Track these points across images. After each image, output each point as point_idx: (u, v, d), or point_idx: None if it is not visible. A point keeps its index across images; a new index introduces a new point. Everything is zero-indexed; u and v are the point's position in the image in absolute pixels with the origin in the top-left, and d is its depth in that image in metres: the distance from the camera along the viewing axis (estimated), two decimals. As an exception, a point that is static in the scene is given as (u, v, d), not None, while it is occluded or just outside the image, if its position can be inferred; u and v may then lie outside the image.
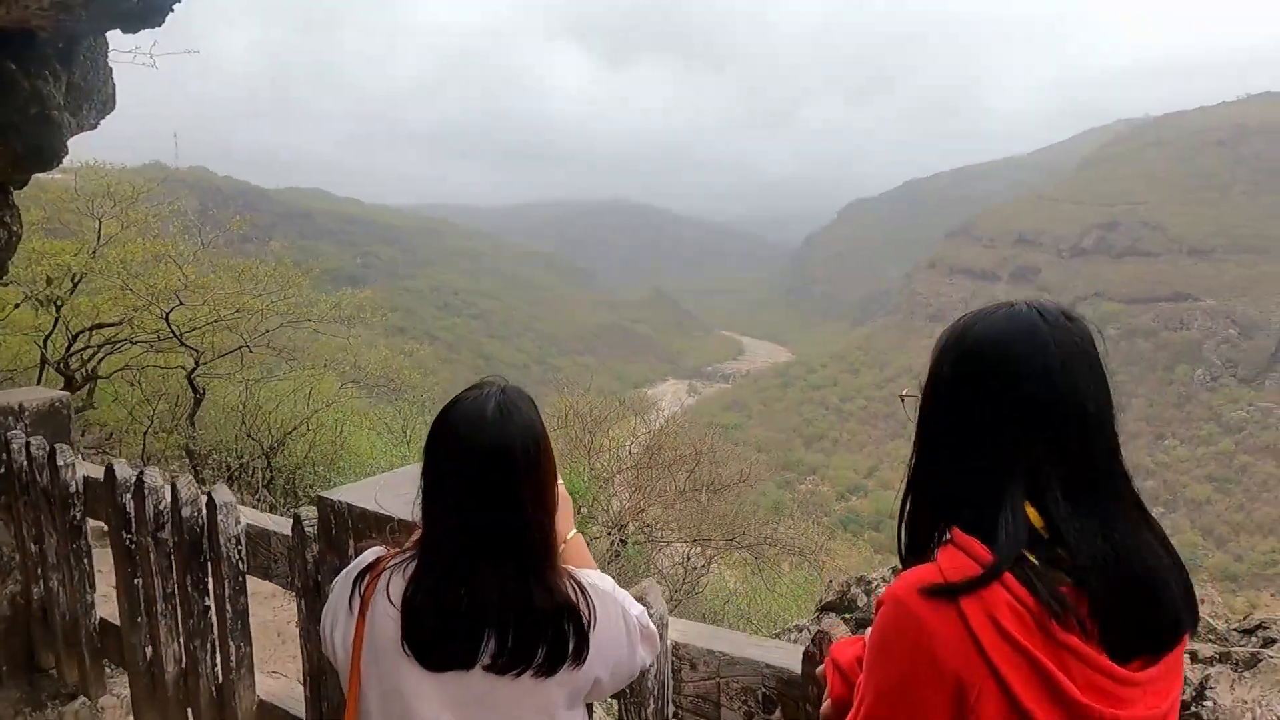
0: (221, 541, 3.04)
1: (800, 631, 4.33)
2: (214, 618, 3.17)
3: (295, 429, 13.92)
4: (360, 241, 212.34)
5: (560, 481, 1.90)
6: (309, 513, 2.79)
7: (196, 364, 15.29)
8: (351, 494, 2.60)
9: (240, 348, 16.69)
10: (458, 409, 1.79)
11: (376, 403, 22.71)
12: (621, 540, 12.07)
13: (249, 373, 17.34)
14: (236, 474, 14.55)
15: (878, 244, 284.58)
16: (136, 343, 16.07)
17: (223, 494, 3.15)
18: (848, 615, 4.48)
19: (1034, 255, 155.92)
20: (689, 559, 14.86)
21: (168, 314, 14.29)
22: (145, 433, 17.03)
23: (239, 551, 3.08)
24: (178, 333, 14.84)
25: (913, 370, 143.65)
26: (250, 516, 3.21)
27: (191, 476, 3.70)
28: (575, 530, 1.90)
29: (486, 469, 1.68)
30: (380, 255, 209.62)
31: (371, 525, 2.47)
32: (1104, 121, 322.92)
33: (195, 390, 15.42)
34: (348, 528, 2.53)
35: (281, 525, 3.05)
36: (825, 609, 4.75)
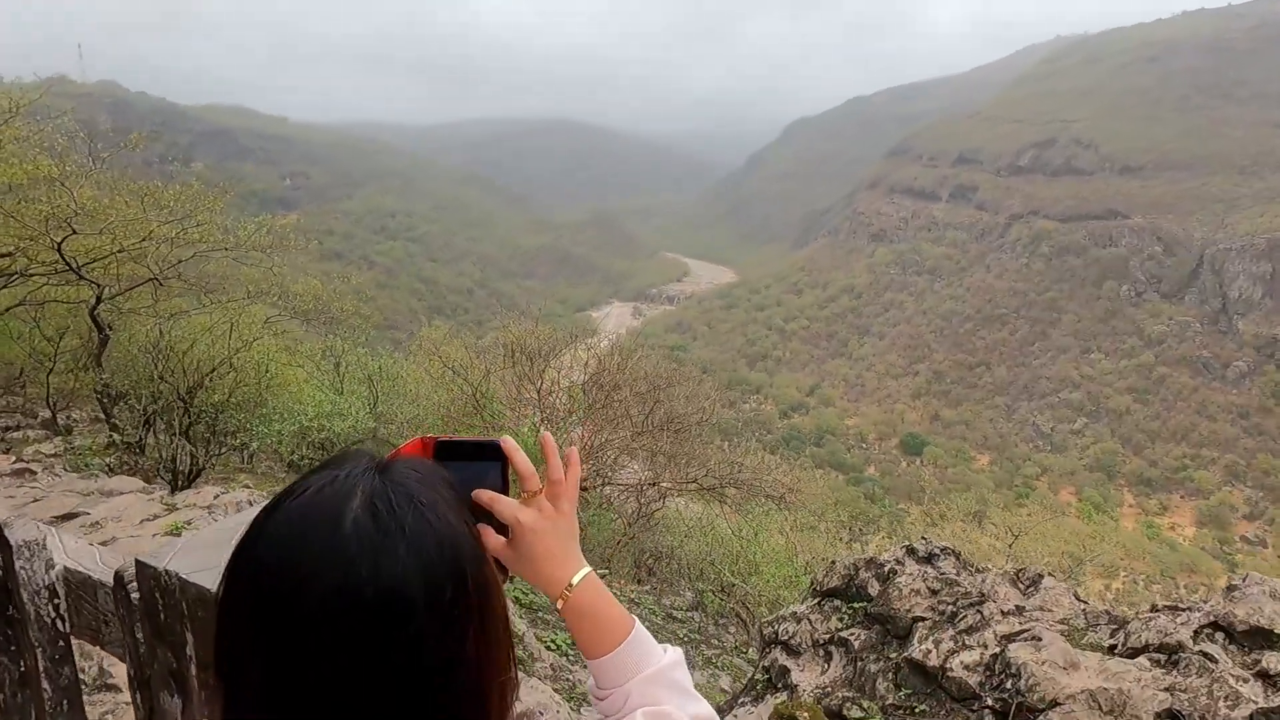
0: (26, 597, 2.03)
1: (799, 622, 3.77)
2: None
3: (215, 369, 12.74)
4: (286, 162, 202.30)
5: (554, 494, 1.20)
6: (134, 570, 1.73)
7: (98, 299, 13.87)
8: (192, 556, 1.53)
9: (149, 280, 15.25)
10: (284, 522, 0.86)
11: (312, 335, 21.38)
12: (579, 487, 11.44)
13: (167, 307, 15.93)
14: (153, 419, 13.41)
15: (820, 163, 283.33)
16: (31, 275, 14.53)
17: (25, 530, 2.01)
18: (856, 605, 3.92)
19: (972, 174, 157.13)
20: (643, 492, 14.41)
21: (59, 244, 12.80)
22: (49, 373, 15.62)
23: (55, 608, 1.99)
24: (74, 265, 13.36)
25: (854, 290, 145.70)
26: (71, 556, 2.12)
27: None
28: (586, 567, 1.17)
29: (350, 643, 0.80)
30: (309, 176, 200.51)
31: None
32: (1043, 38, 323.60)
33: (99, 327, 14.04)
34: (181, 613, 1.56)
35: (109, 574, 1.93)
36: (827, 595, 4.19)
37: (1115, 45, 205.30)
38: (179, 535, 6.34)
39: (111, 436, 13.89)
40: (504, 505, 1.15)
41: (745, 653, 10.40)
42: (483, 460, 1.21)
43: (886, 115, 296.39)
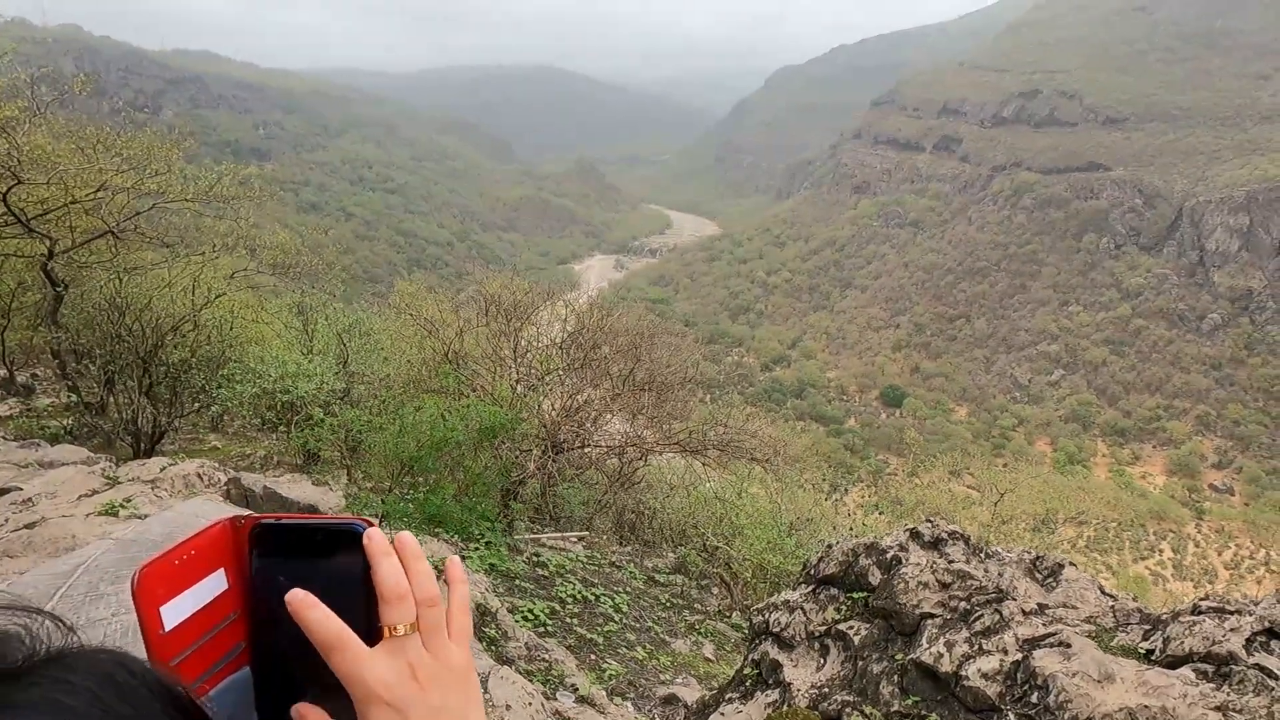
0: None
1: (792, 611, 3.41)
2: None
3: (176, 327, 12.13)
4: (259, 110, 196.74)
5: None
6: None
7: (50, 253, 13.16)
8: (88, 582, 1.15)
9: (105, 234, 14.51)
10: None
11: (287, 289, 20.65)
12: (554, 449, 11.05)
13: (125, 260, 15.21)
14: (114, 378, 12.84)
15: (805, 112, 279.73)
16: (-22, 227, 13.76)
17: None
18: (856, 595, 3.56)
19: (957, 125, 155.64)
20: (625, 451, 14.07)
21: (4, 195, 12.05)
22: (3, 330, 14.93)
23: None
24: (21, 217, 12.62)
25: (836, 242, 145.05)
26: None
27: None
28: None
29: None
30: (284, 125, 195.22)
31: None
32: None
33: (53, 283, 13.36)
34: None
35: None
36: (824, 582, 3.82)
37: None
38: (115, 515, 5.93)
39: (71, 397, 13.33)
40: (348, 659, 0.74)
41: (729, 617, 10.20)
42: (335, 556, 0.82)
43: (872, 64, 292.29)
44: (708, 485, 14.07)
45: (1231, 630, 2.70)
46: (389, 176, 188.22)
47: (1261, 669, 2.50)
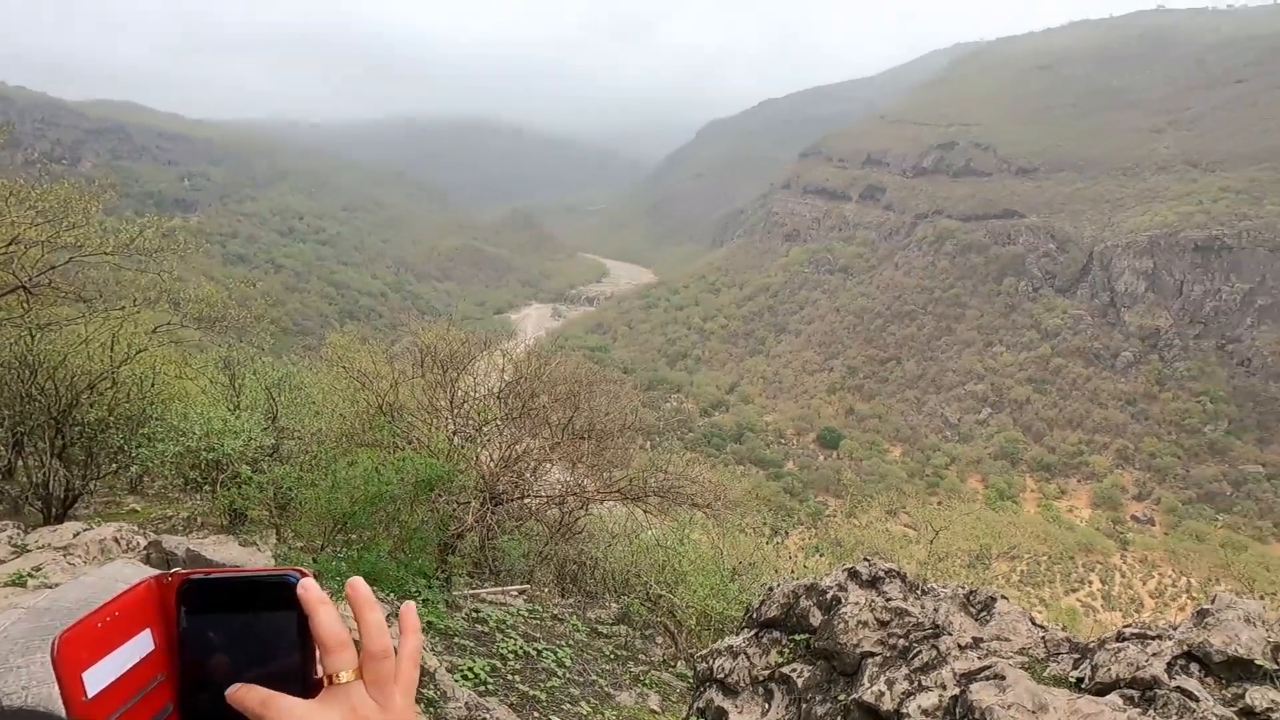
0: None
1: (735, 657, 3.40)
2: None
3: (93, 385, 11.62)
4: (185, 161, 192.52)
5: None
6: None
7: (-45, 310, 12.52)
8: None
9: (17, 289, 13.90)
10: None
11: (214, 344, 19.98)
12: (493, 501, 10.86)
13: (39, 316, 14.55)
14: (23, 440, 12.17)
15: (735, 163, 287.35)
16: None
17: None
18: (798, 637, 3.57)
19: (880, 175, 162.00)
20: (565, 501, 13.92)
21: (-95, 249, 11.46)
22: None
23: None
24: (-76, 272, 12.01)
25: (770, 289, 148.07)
26: None
27: None
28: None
29: None
30: (210, 176, 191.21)
31: None
32: (944, 44, 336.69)
33: (-42, 341, 12.68)
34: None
35: None
36: (766, 625, 3.82)
37: (1010, 53, 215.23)
38: (22, 585, 5.56)
39: (-25, 461, 12.57)
40: (283, 712, 0.73)
41: (674, 667, 10.07)
42: (270, 609, 0.79)
43: (798, 117, 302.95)
44: (650, 533, 14.01)
45: (1154, 655, 2.81)
46: (321, 227, 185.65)
47: (1183, 691, 2.60)
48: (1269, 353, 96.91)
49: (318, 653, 0.76)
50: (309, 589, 0.75)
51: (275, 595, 0.77)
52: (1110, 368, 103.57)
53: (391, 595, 8.75)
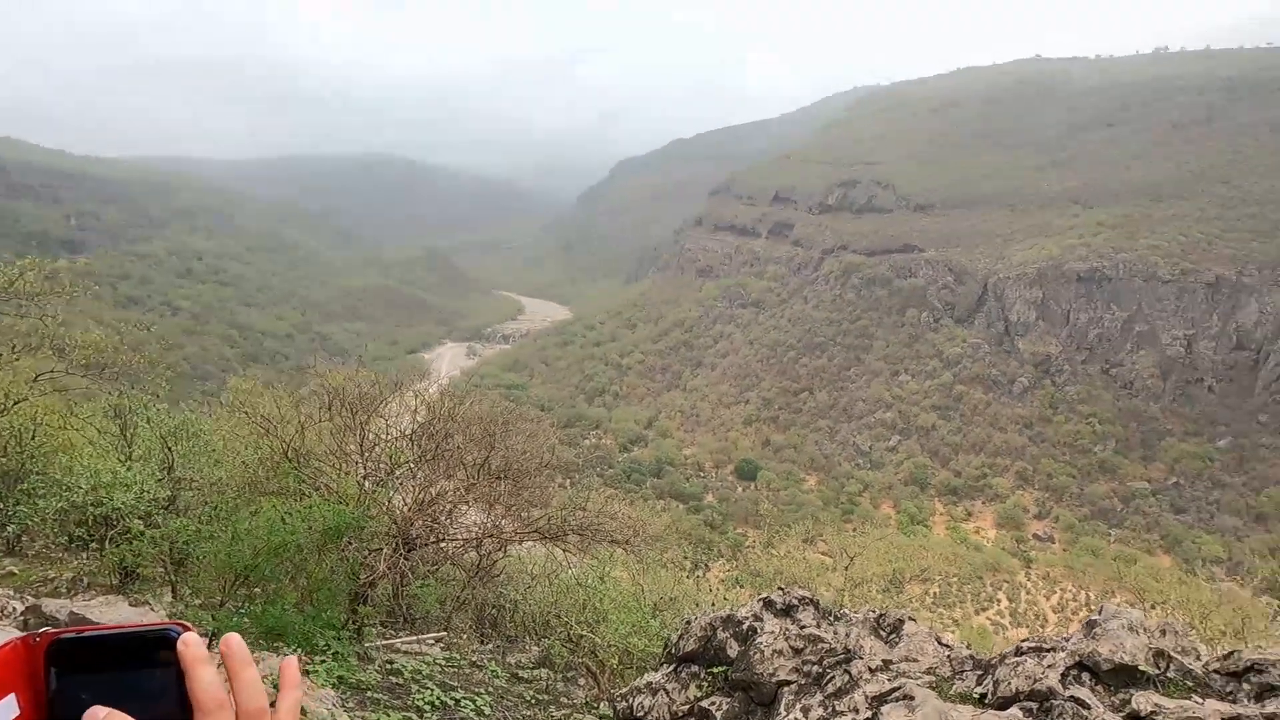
0: None
1: (655, 694, 3.38)
2: None
3: (-37, 439, 10.78)
4: (72, 199, 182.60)
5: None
6: None
7: None
8: None
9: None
10: None
11: (104, 391, 18.86)
12: (407, 546, 10.52)
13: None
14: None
15: (648, 201, 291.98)
16: None
17: None
18: (716, 670, 3.58)
19: (788, 212, 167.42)
20: (482, 543, 13.62)
21: None
22: None
23: None
24: None
25: (685, 324, 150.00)
26: None
27: None
28: None
29: None
30: (100, 216, 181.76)
31: None
32: (844, 88, 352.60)
33: None
34: None
35: None
36: (685, 660, 3.82)
37: (905, 96, 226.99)
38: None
39: None
40: None
41: (597, 708, 9.91)
42: (147, 666, 0.74)
43: (707, 156, 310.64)
44: (570, 572, 13.83)
45: (1049, 667, 2.95)
46: (221, 268, 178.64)
47: (1076, 700, 2.74)
48: (1147, 375, 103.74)
49: (195, 715, 0.72)
50: (189, 645, 0.71)
51: (155, 651, 0.73)
52: (1008, 393, 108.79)
53: (298, 650, 8.34)
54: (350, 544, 9.59)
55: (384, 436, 12.45)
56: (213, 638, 7.43)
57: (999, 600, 68.62)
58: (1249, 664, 2.81)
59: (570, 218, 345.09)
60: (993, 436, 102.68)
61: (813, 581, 17.01)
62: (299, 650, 8.33)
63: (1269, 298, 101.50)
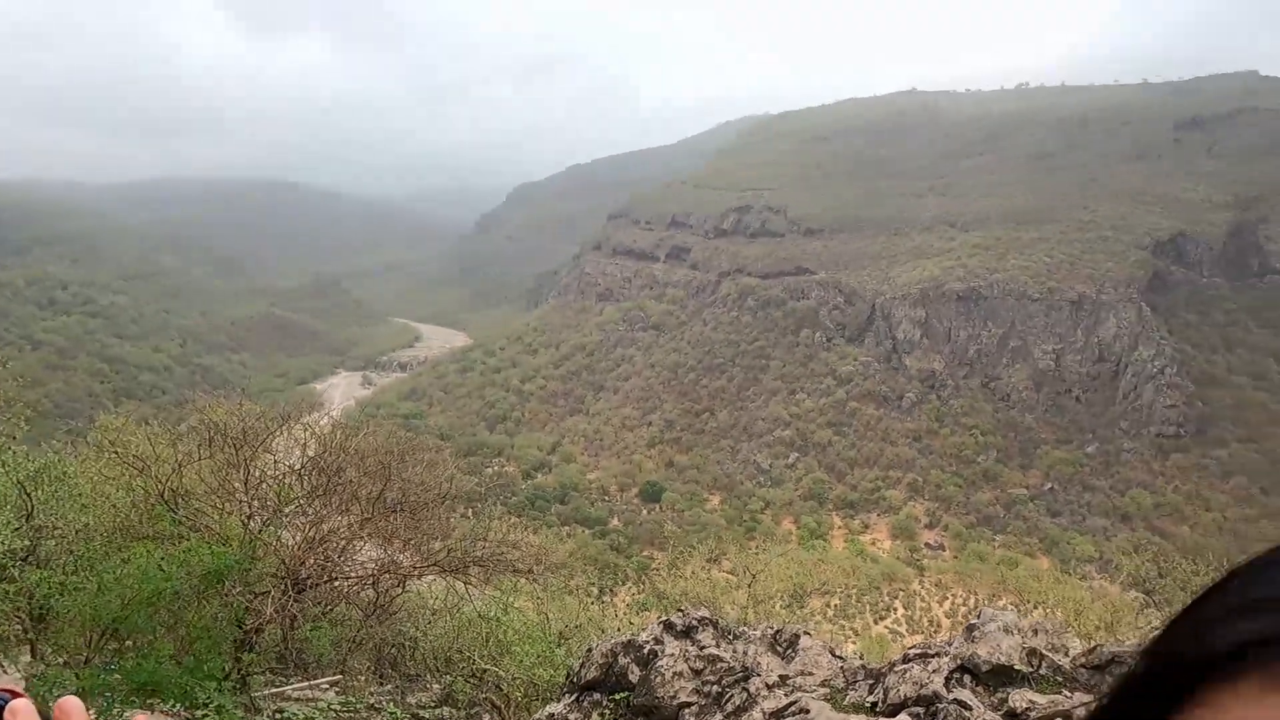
0: None
1: (555, 725, 3.32)
2: None
3: None
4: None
5: None
6: None
7: None
8: None
9: None
10: None
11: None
12: (297, 587, 10.00)
13: None
14: None
15: (546, 225, 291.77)
16: None
17: None
18: (618, 696, 3.54)
19: (685, 236, 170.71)
20: (379, 580, 13.12)
21: None
22: None
23: None
24: None
25: (586, 348, 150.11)
26: None
27: None
28: None
29: None
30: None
31: None
32: (735, 116, 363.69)
33: None
34: None
35: None
36: (587, 688, 3.78)
37: (793, 126, 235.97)
38: None
39: None
40: None
41: (502, 744, 9.66)
42: None
43: (604, 181, 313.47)
44: (473, 605, 13.48)
45: (934, 672, 3.09)
46: (90, 298, 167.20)
47: (959, 703, 2.87)
48: (1022, 388, 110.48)
49: None
50: (17, 713, 0.62)
51: None
52: (897, 408, 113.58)
53: (176, 706, 7.78)
54: (234, 588, 9.05)
55: (271, 473, 11.85)
56: (83, 697, 6.83)
57: (896, 609, 71.00)
58: (1110, 656, 3.02)
59: (469, 242, 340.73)
60: (885, 450, 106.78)
61: (718, 600, 17.17)
62: (175, 705, 7.77)
63: (1124, 313, 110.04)
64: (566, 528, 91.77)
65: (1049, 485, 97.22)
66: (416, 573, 12.11)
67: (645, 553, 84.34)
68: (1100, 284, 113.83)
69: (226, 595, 8.86)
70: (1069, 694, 2.82)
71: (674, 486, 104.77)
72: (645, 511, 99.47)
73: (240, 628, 9.24)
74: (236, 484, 11.06)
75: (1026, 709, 2.70)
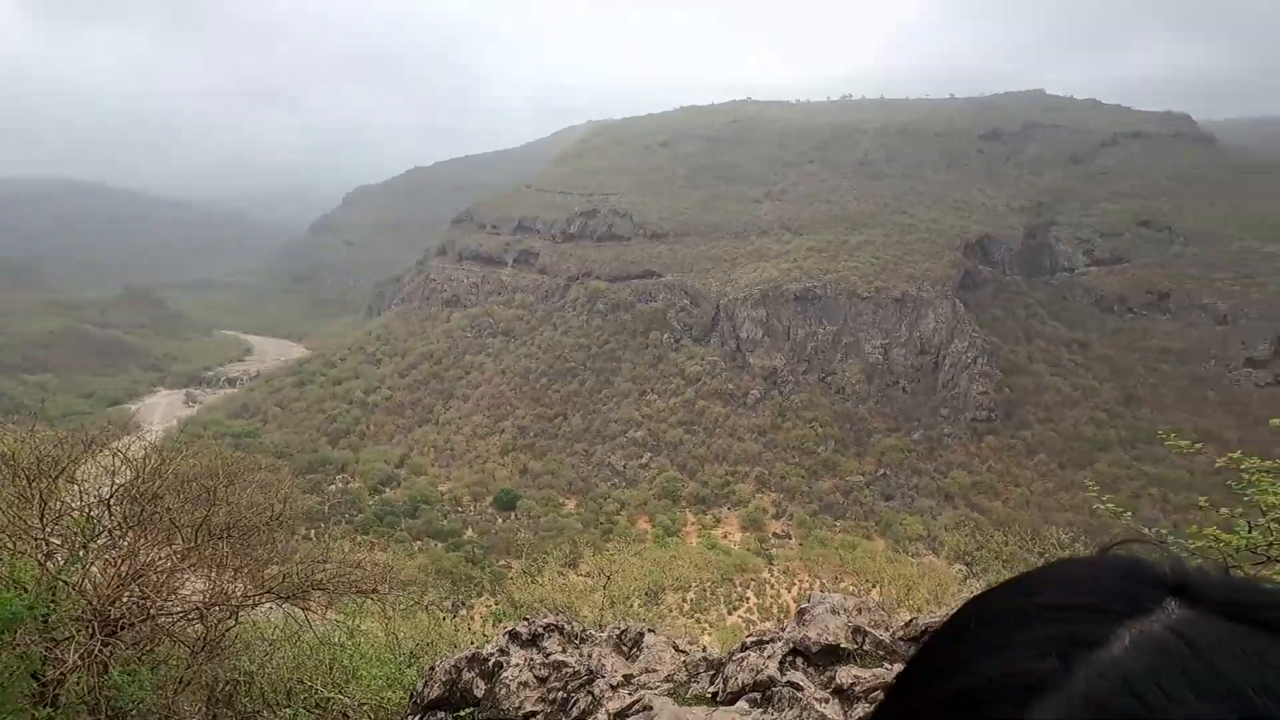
0: None
1: (397, 750, 3.15)
2: None
3: None
4: None
5: None
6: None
7: None
8: None
9: None
10: None
11: None
12: (108, 629, 9.02)
13: None
14: None
15: (387, 230, 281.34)
16: None
17: None
18: (463, 712, 3.43)
19: (532, 240, 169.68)
20: (208, 613, 12.14)
21: None
22: None
23: None
24: None
25: (433, 356, 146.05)
26: None
27: None
28: None
29: None
30: None
31: None
32: (579, 121, 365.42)
33: None
34: None
35: None
36: (430, 707, 3.63)
37: (635, 131, 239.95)
38: None
39: None
40: None
41: (350, 774, 9.18)
42: None
43: (447, 185, 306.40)
44: (316, 630, 12.75)
45: (769, 657, 3.23)
46: None
47: (792, 684, 3.01)
48: (855, 381, 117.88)
49: None
50: None
51: None
52: (743, 405, 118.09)
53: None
54: (28, 637, 8.08)
55: (76, 504, 10.69)
56: None
57: (749, 598, 73.74)
58: (924, 628, 3.28)
59: (302, 249, 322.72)
60: (733, 446, 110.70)
61: (575, 604, 17.15)
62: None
63: (941, 309, 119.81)
64: (418, 542, 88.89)
65: (882, 471, 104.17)
66: (250, 602, 11.30)
67: (502, 562, 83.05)
68: (920, 283, 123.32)
69: (17, 646, 7.89)
70: (889, 665, 3.03)
71: (529, 493, 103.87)
72: (500, 520, 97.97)
73: (37, 680, 8.25)
74: (32, 520, 9.88)
75: (852, 684, 2.87)
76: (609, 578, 16.68)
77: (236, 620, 12.88)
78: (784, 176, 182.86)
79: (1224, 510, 6.61)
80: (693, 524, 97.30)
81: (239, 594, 11.11)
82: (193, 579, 12.45)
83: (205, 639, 12.58)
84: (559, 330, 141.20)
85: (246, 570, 11.21)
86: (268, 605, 13.18)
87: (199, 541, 10.50)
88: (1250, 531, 5.99)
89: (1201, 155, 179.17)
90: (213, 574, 12.28)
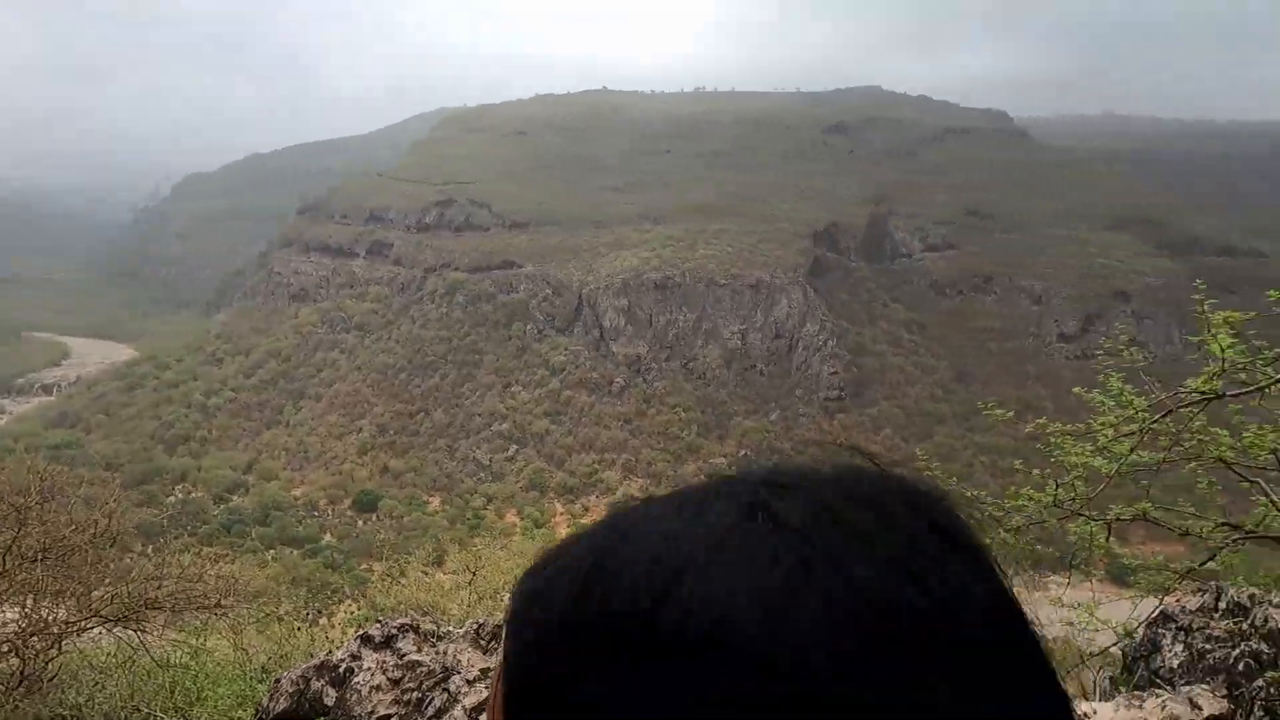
0: None
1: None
2: None
3: None
4: None
5: None
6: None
7: None
8: None
9: None
10: None
11: None
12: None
13: None
14: None
15: (223, 220, 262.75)
16: None
17: None
18: (311, 725, 3.28)
19: (386, 231, 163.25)
20: (26, 644, 11.01)
21: None
22: None
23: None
24: None
25: (281, 354, 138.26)
26: None
27: None
28: None
29: None
30: None
31: None
32: (430, 108, 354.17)
33: None
34: None
35: None
36: (274, 724, 3.44)
37: (489, 119, 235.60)
38: None
39: None
40: None
41: (197, 803, 8.61)
42: None
43: (290, 173, 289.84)
44: (153, 653, 11.82)
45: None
46: None
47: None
48: (715, 366, 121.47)
49: None
50: None
51: None
52: (608, 393, 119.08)
53: None
54: None
55: None
56: None
57: (618, 584, 74.68)
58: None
59: (127, 242, 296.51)
60: (600, 435, 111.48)
61: (441, 603, 16.78)
62: None
63: (793, 295, 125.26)
64: (271, 550, 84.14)
65: (743, 452, 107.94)
66: (75, 629, 10.33)
67: (364, 566, 79.94)
68: (773, 269, 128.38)
69: None
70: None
71: (391, 493, 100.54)
72: (361, 522, 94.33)
73: None
74: None
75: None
76: (474, 574, 16.43)
77: (60, 650, 11.76)
78: (640, 166, 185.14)
79: (1035, 472, 7.32)
80: (562, 514, 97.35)
81: (61, 620, 10.13)
82: (4, 609, 11.24)
83: (22, 673, 11.40)
84: (417, 324, 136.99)
85: (70, 594, 10.20)
86: (97, 630, 12.09)
87: (8, 567, 9.48)
88: (1056, 489, 6.66)
89: (1018, 150, 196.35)
90: (28, 601, 11.13)
